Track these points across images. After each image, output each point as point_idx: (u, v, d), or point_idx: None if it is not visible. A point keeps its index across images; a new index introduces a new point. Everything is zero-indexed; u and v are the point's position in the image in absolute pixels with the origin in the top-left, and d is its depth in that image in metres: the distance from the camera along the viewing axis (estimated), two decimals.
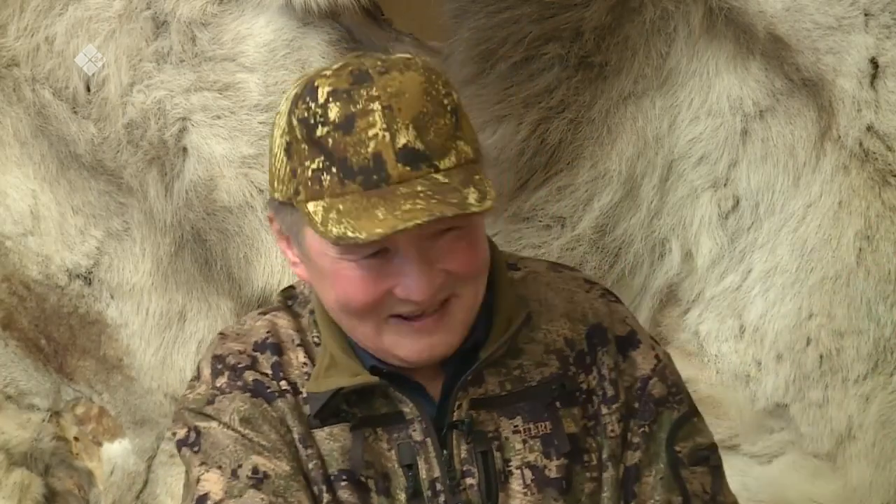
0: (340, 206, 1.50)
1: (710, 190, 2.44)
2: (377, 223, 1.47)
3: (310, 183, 1.52)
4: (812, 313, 2.39)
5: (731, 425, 2.46)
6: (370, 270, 1.54)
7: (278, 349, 1.67)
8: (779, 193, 2.42)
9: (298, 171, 1.54)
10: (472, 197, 1.50)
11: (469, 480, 1.62)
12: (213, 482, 1.60)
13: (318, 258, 1.56)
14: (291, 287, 1.76)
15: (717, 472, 1.70)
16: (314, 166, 1.52)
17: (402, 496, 1.61)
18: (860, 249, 2.37)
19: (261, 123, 2.53)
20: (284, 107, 1.57)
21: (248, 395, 1.63)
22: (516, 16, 2.42)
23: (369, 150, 1.50)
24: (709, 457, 1.69)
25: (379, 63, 1.54)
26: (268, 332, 1.68)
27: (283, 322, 1.70)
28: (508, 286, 1.67)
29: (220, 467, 1.61)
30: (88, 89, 2.56)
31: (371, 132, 1.50)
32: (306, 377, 1.65)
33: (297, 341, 1.68)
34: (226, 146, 2.52)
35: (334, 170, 1.51)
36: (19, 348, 2.61)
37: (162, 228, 2.55)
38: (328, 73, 1.55)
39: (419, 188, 1.50)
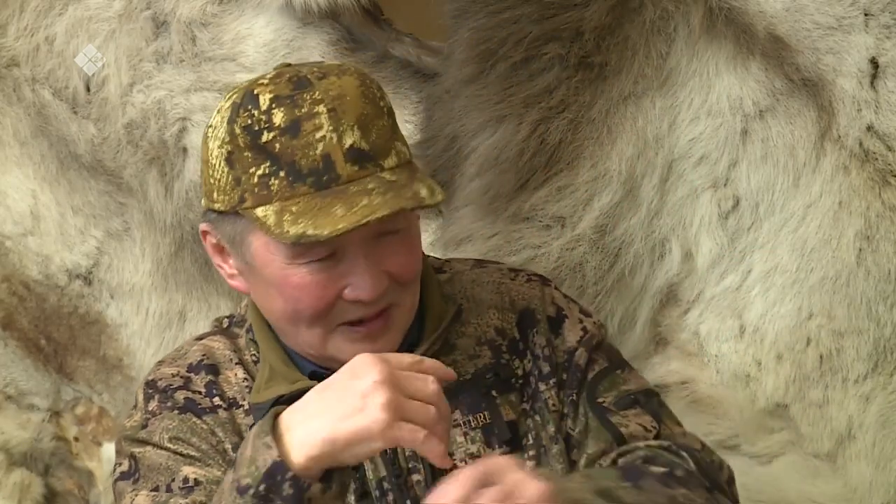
0: (293, 209, 1.51)
1: (710, 190, 2.45)
2: (338, 220, 1.49)
3: (256, 189, 1.53)
4: (812, 313, 2.40)
5: (731, 425, 2.46)
6: (320, 274, 1.55)
7: (214, 369, 1.67)
8: (779, 193, 2.42)
9: (243, 178, 1.55)
10: (424, 192, 1.53)
11: (415, 477, 1.63)
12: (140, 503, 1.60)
13: (264, 267, 1.57)
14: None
15: (657, 409, 1.69)
16: (260, 172, 1.53)
17: (351, 498, 1.61)
18: (860, 249, 2.37)
19: None
20: (219, 118, 1.58)
21: (176, 412, 1.64)
22: (516, 16, 2.42)
23: (318, 151, 1.52)
24: (638, 399, 1.69)
25: (315, 69, 1.57)
26: (203, 355, 1.69)
27: (219, 344, 1.71)
28: (437, 287, 1.69)
29: (155, 488, 1.60)
30: (88, 89, 2.56)
31: (318, 134, 1.52)
32: (247, 391, 1.65)
33: (235, 360, 1.69)
34: None
35: (282, 174, 1.52)
36: (19, 348, 2.61)
37: (162, 228, 2.55)
38: (265, 81, 1.57)
39: (370, 186, 1.52)
